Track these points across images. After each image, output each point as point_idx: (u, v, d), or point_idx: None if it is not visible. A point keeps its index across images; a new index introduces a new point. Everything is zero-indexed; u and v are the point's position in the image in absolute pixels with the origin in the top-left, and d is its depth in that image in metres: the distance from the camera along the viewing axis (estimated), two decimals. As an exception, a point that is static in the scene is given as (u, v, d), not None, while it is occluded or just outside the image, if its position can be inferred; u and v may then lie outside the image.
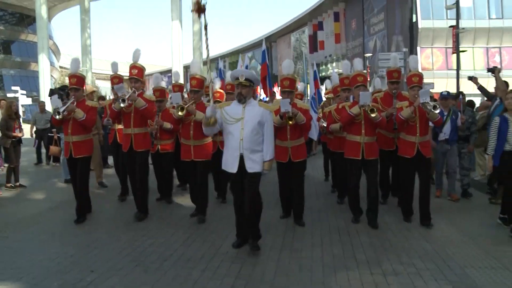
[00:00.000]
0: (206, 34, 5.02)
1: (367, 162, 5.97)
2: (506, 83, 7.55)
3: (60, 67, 54.65)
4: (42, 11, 26.98)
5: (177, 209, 6.88)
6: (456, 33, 21.76)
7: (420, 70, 6.38)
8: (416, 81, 5.95)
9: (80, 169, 6.30)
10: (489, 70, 8.21)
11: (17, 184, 8.66)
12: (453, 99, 7.83)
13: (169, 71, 30.89)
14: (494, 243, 5.06)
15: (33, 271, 4.24)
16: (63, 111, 6.01)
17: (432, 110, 5.64)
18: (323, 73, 43.81)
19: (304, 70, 13.85)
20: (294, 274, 4.19)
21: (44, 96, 26.58)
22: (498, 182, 6.94)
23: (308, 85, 11.87)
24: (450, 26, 24.84)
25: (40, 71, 27.07)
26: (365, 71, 6.52)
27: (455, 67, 31.86)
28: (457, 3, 21.81)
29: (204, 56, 5.16)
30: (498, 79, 7.76)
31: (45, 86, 25.85)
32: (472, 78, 8.37)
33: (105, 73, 49.87)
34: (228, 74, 7.17)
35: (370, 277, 4.07)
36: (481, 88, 8.32)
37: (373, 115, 5.69)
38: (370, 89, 8.35)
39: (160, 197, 7.53)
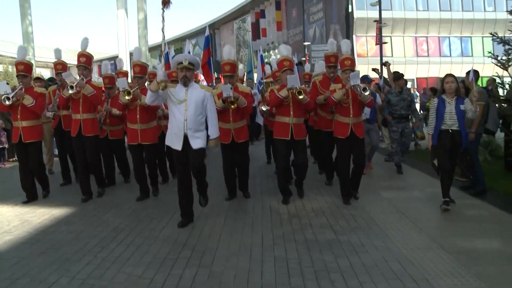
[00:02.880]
0: (163, 20, 5.54)
1: (296, 142, 6.17)
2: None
3: (-1, 54, 51.99)
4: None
5: (119, 197, 6.94)
6: (379, 26, 23.75)
7: (356, 57, 7.03)
8: (348, 64, 6.12)
9: (33, 153, 6.53)
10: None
11: None
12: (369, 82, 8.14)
13: (115, 57, 30.75)
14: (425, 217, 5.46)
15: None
16: (12, 96, 6.14)
17: (362, 92, 5.76)
18: (266, 60, 44.62)
19: (250, 55, 14.34)
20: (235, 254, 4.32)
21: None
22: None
23: (256, 70, 12.40)
24: (374, 21, 26.49)
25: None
26: (292, 57, 6.71)
27: (388, 55, 33.93)
28: (379, 1, 23.77)
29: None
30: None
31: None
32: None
33: (48, 61, 48.21)
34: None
35: (315, 284, 4.05)
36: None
37: (300, 97, 5.86)
38: (313, 73, 8.69)
39: (109, 183, 7.56)
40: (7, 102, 6.13)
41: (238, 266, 4.08)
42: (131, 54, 36.45)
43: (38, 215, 5.91)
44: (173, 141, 5.24)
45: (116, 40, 32.84)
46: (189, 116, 5.13)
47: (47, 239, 4.95)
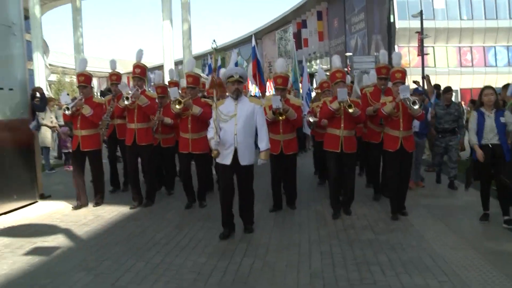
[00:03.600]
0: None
1: (345, 155, 6.12)
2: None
3: (50, 64, 54.83)
4: (35, 10, 27.75)
5: (176, 200, 7.33)
6: (421, 38, 23.84)
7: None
8: (399, 77, 6.07)
9: (94, 161, 6.89)
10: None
11: None
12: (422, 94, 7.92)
13: (161, 66, 32.08)
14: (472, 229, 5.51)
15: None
16: (72, 106, 6.47)
17: (412, 106, 5.70)
18: (308, 70, 45.01)
19: (295, 66, 14.53)
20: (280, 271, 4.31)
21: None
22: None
23: (302, 80, 12.65)
24: (416, 32, 26.55)
25: (35, 69, 27.76)
26: (344, 68, 6.72)
27: (431, 65, 33.77)
28: (421, 13, 24.00)
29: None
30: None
31: (40, 83, 26.62)
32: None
33: (97, 70, 50.40)
34: (222, 71, 7.60)
35: (357, 274, 4.17)
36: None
37: (350, 110, 5.83)
38: (355, 85, 8.63)
39: (161, 188, 7.89)
40: (67, 112, 6.45)
41: (289, 258, 4.65)
42: (175, 63, 37.87)
43: (108, 212, 6.66)
44: (223, 156, 5.22)
45: (162, 50, 34.22)
46: (239, 130, 5.15)
47: (119, 232, 5.68)
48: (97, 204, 7.00)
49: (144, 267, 4.44)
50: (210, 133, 5.21)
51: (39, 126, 8.09)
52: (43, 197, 7.51)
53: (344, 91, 5.85)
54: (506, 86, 7.71)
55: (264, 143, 5.36)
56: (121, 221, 6.19)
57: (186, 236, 5.44)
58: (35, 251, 4.94)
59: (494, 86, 6.16)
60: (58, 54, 62.19)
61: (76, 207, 6.85)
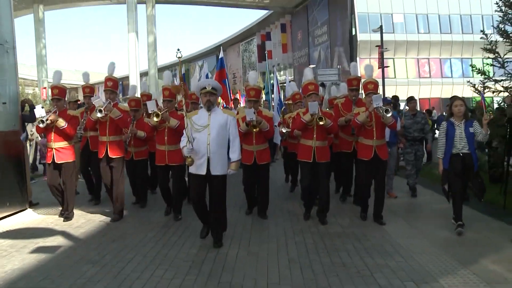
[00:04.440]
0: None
1: (318, 165, 6.33)
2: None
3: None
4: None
5: (151, 211, 7.43)
6: (381, 51, 25.18)
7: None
8: (371, 88, 6.30)
9: (65, 173, 6.81)
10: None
11: None
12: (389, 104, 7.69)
13: (127, 78, 32.35)
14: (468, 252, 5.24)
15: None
16: (46, 119, 6.48)
17: (385, 114, 5.94)
18: (271, 81, 46.01)
19: (267, 77, 14.80)
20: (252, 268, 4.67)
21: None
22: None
23: (274, 91, 12.41)
24: (376, 46, 27.97)
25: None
26: (315, 80, 6.78)
27: (391, 76, 35.36)
28: (381, 27, 25.39)
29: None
30: None
31: None
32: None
33: (62, 82, 49.86)
34: (193, 84, 7.90)
35: (328, 259, 4.89)
36: None
37: (321, 123, 6.07)
38: (326, 96, 9.24)
39: (136, 200, 7.93)
40: (41, 125, 6.48)
41: (269, 248, 5.37)
42: (141, 74, 38.15)
43: (98, 216, 7.16)
44: (197, 166, 5.32)
45: (127, 62, 34.51)
46: (211, 140, 5.26)
47: (113, 232, 6.23)
48: (66, 218, 6.87)
49: (142, 259, 5.04)
50: (183, 142, 5.31)
51: (27, 137, 8.50)
52: (31, 204, 7.92)
53: (315, 104, 6.08)
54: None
55: (235, 154, 5.48)
56: (112, 223, 6.72)
57: (174, 233, 6.07)
58: (39, 250, 5.45)
59: (450, 96, 6.40)
60: (21, 66, 60.87)
61: (62, 215, 6.97)
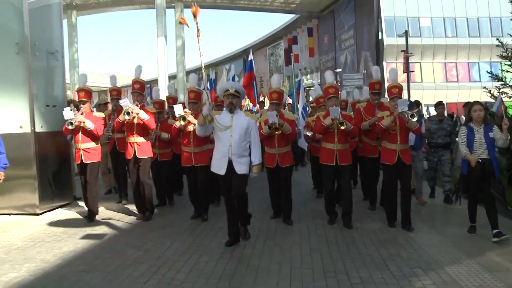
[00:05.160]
0: (198, 41, 5.54)
1: (340, 168, 6.40)
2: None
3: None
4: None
5: (177, 212, 7.66)
6: (406, 56, 25.37)
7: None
8: (396, 92, 6.27)
9: (90, 173, 6.94)
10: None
11: None
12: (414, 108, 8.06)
13: (155, 81, 33.36)
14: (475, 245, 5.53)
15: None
16: (74, 121, 6.64)
17: (410, 118, 5.94)
18: (296, 85, 46.37)
19: (292, 80, 14.02)
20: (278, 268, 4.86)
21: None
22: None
23: (299, 95, 12.52)
24: (402, 50, 28.13)
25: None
26: (336, 83, 6.91)
27: (418, 80, 35.39)
28: (406, 32, 25.61)
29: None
30: None
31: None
32: None
33: (92, 85, 51.43)
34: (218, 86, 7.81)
35: (345, 249, 5.42)
36: None
37: (342, 127, 6.14)
38: (349, 99, 9.40)
39: (158, 203, 7.99)
40: (70, 127, 6.63)
41: (293, 239, 5.95)
42: (169, 77, 39.15)
43: (133, 212, 7.82)
44: (218, 166, 5.52)
45: (156, 65, 35.46)
46: (234, 142, 5.37)
47: (151, 224, 6.92)
48: (90, 219, 7.01)
49: (180, 246, 5.69)
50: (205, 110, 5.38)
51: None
52: (75, 198, 8.69)
53: (336, 109, 6.12)
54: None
55: (257, 157, 5.58)
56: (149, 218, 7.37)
57: (207, 225, 6.72)
58: (88, 236, 6.18)
59: (479, 100, 6.28)
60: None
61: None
